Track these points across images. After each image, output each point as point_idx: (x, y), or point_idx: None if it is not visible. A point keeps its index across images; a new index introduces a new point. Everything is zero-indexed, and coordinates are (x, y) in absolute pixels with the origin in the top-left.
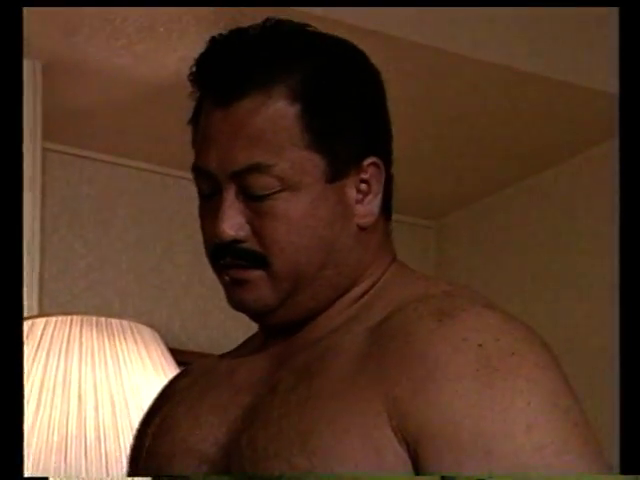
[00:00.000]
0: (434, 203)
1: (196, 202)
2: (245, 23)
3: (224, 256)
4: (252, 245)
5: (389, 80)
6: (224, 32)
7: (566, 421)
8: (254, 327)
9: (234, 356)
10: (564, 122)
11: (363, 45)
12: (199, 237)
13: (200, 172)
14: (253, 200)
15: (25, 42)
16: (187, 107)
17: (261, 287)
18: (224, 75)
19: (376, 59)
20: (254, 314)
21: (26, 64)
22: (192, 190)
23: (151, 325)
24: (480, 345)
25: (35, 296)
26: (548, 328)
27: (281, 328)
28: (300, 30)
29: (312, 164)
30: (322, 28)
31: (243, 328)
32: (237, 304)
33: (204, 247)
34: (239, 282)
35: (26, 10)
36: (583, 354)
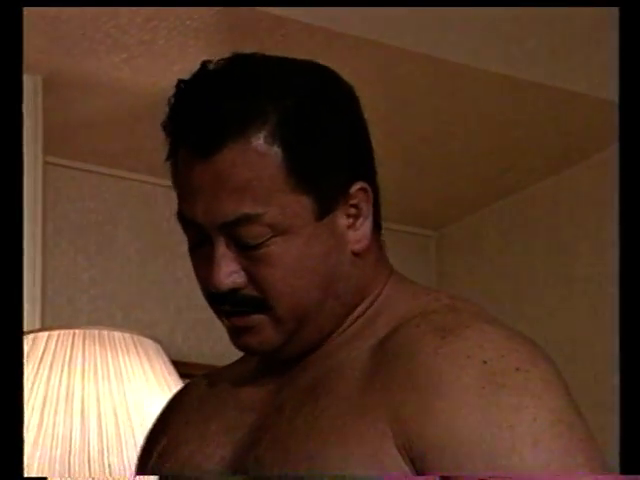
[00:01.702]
0: (435, 213)
1: None
2: (245, 38)
3: (223, 303)
4: (251, 291)
5: (387, 90)
6: (191, 76)
7: (571, 436)
8: None
9: (239, 371)
10: (564, 131)
11: (361, 55)
12: None
13: (187, 222)
14: (246, 249)
15: (25, 57)
16: None
17: (265, 330)
18: (199, 128)
19: (374, 68)
20: (261, 354)
21: (27, 79)
22: None
23: (154, 337)
24: (485, 362)
25: (37, 310)
26: (549, 337)
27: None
28: (268, 66)
29: (300, 206)
30: (321, 39)
31: None
32: (243, 347)
33: (201, 290)
34: (243, 328)
35: (26, 25)
36: (584, 360)
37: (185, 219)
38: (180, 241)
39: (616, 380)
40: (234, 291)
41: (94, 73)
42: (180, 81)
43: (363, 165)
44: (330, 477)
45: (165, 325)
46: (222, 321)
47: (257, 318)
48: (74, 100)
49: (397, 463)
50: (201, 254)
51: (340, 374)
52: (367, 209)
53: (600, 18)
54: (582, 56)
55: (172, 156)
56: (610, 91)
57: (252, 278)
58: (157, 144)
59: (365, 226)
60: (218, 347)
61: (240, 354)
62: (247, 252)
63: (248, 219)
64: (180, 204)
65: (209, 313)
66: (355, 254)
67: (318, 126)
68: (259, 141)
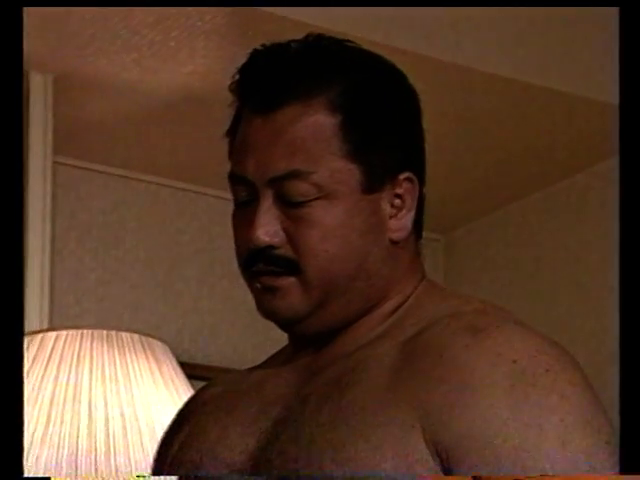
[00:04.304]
0: (443, 217)
1: (205, 215)
2: (256, 40)
3: (256, 262)
4: (286, 252)
5: None
6: (267, 44)
7: (599, 439)
8: (264, 341)
9: (263, 369)
10: (574, 136)
11: None
12: (208, 250)
13: (237, 179)
14: (289, 206)
15: (36, 56)
16: (197, 120)
17: (292, 294)
18: (266, 84)
19: None
20: (284, 323)
21: (37, 78)
22: (201, 203)
23: (161, 339)
24: (514, 361)
25: (45, 310)
26: (557, 340)
27: (310, 339)
28: (341, 45)
29: (349, 174)
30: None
31: (253, 341)
32: (267, 312)
33: (236, 254)
34: (270, 289)
35: (37, 24)
36: (590, 364)
37: (235, 177)
38: (187, 242)
39: (617, 381)
40: (269, 248)
41: (104, 73)
42: (254, 48)
43: (415, 160)
44: (361, 478)
45: (172, 326)
46: (252, 287)
47: (287, 280)
48: (84, 100)
49: (424, 456)
50: (244, 213)
51: (367, 368)
52: (411, 202)
53: (611, 19)
54: (595, 62)
55: (232, 129)
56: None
57: (290, 239)
58: (166, 145)
59: (406, 218)
60: (224, 349)
61: (247, 355)
62: (290, 210)
63: (297, 175)
64: (233, 164)
65: (215, 315)
66: (393, 243)
67: (379, 105)
68: (321, 104)
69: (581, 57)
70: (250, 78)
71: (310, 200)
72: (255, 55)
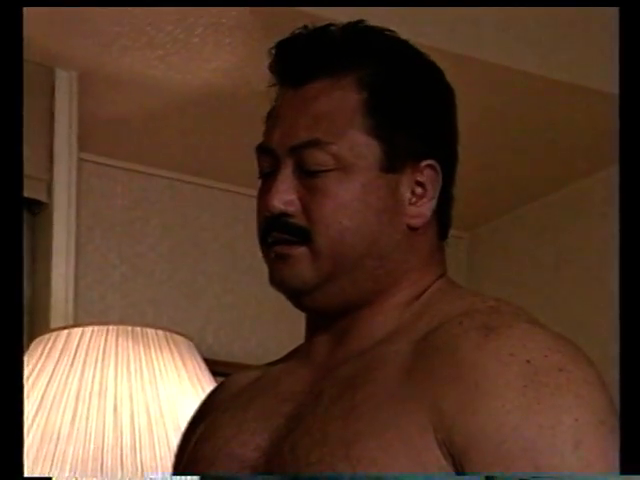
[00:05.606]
0: (466, 214)
1: (228, 212)
2: (280, 36)
3: (271, 231)
4: (299, 220)
5: None
6: (308, 25)
7: (613, 439)
8: (287, 337)
9: (279, 366)
10: (598, 132)
11: None
12: (231, 247)
13: (262, 150)
14: (307, 176)
15: (61, 53)
16: (221, 117)
17: (302, 263)
18: (299, 58)
19: None
20: (291, 292)
21: (61, 74)
22: (225, 200)
23: (185, 335)
24: (528, 361)
25: (70, 306)
26: (579, 340)
27: (323, 318)
28: (380, 32)
29: (369, 150)
30: None
31: (276, 338)
32: (276, 281)
33: (257, 227)
34: (282, 257)
35: (61, 22)
36: (614, 363)
37: (261, 148)
38: (211, 238)
39: (616, 374)
40: (284, 216)
41: (129, 70)
42: (295, 29)
43: (442, 152)
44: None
45: (196, 323)
46: (267, 257)
47: (298, 250)
48: (108, 97)
49: (436, 457)
50: (266, 183)
51: (380, 366)
52: (432, 191)
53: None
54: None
55: (271, 112)
56: None
57: (304, 208)
58: (190, 142)
59: (426, 207)
60: (248, 345)
61: (270, 351)
62: (308, 180)
63: (317, 144)
64: (263, 137)
65: (239, 311)
66: (410, 230)
67: (407, 90)
68: (350, 82)
69: (610, 52)
70: (285, 52)
71: (327, 171)
72: (293, 33)
